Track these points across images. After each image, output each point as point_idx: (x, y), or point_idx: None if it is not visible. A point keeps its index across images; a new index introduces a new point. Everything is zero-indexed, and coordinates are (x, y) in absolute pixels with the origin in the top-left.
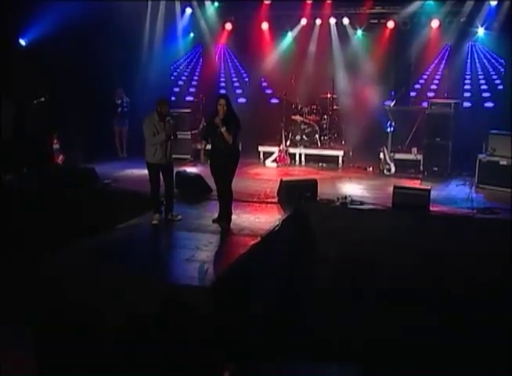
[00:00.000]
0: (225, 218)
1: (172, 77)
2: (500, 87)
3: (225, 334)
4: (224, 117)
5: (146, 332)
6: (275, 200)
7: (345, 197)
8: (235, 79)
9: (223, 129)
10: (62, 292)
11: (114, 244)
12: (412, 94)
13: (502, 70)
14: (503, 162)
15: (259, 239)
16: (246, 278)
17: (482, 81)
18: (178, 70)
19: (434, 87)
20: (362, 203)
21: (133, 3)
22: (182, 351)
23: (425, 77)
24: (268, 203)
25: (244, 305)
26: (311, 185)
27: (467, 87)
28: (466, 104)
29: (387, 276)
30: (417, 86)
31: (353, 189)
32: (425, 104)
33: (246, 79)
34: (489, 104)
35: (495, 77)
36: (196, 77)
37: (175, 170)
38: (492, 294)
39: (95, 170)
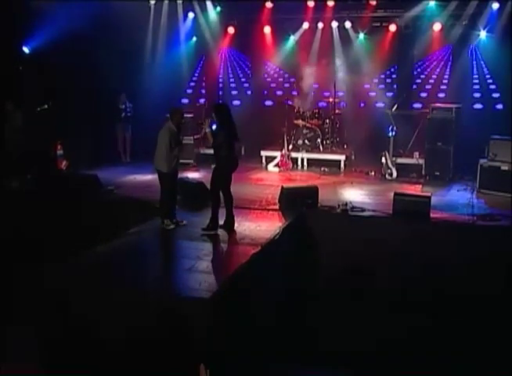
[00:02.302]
0: (226, 223)
1: (175, 82)
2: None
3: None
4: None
5: (143, 343)
6: (277, 206)
7: (346, 204)
8: (237, 83)
9: (207, 130)
10: (62, 300)
11: (115, 252)
12: (418, 97)
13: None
14: (504, 167)
15: (259, 248)
16: (246, 288)
17: (490, 81)
18: (181, 75)
19: (442, 87)
20: (363, 209)
21: (135, 8)
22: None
23: (430, 82)
24: (269, 210)
25: (244, 315)
26: (312, 192)
27: (476, 87)
28: (478, 106)
29: (388, 283)
30: (423, 89)
31: (354, 194)
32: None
33: (249, 83)
34: (500, 106)
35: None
36: (199, 82)
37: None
38: (493, 300)
39: (97, 176)
